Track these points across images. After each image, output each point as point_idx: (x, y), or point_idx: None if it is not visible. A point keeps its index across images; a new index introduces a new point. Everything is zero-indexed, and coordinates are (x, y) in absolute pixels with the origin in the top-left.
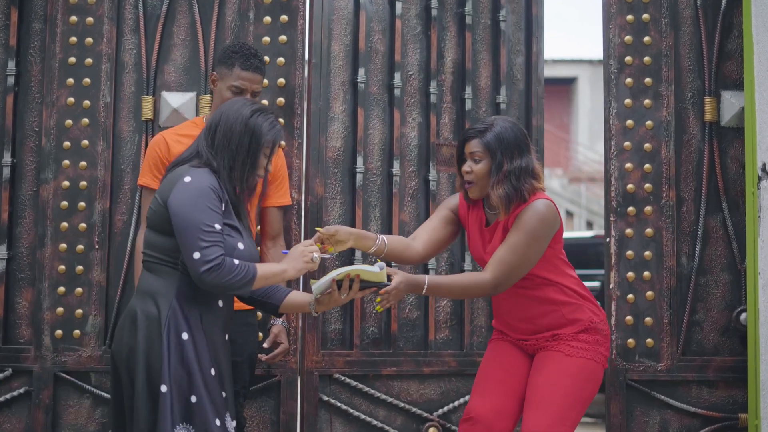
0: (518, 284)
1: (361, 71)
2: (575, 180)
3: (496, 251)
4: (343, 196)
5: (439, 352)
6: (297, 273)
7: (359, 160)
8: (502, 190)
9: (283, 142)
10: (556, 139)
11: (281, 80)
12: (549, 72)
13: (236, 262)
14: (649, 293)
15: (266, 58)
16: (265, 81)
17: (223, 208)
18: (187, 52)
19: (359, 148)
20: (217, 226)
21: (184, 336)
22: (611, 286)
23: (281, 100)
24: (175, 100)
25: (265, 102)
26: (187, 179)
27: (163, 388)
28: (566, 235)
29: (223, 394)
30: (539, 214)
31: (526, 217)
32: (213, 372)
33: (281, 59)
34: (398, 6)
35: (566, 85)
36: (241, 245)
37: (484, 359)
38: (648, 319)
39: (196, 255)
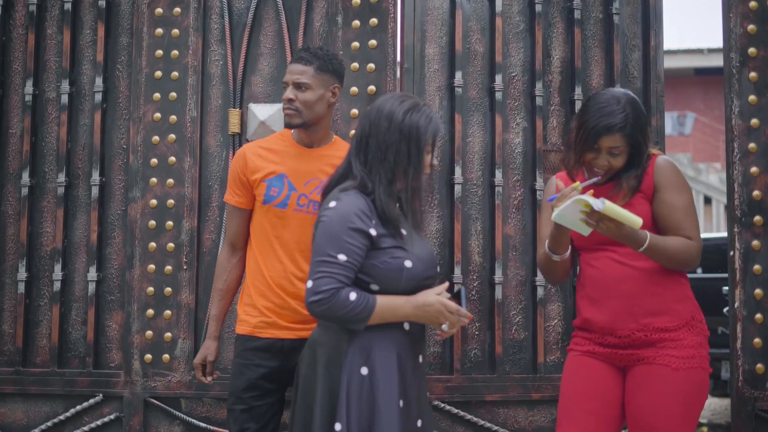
0: (631, 252)
1: (458, 74)
2: None
3: (671, 218)
4: (441, 210)
5: (550, 376)
6: (416, 320)
7: (457, 170)
8: (635, 181)
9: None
10: (713, 132)
11: (371, 87)
12: (704, 62)
13: (352, 297)
14: None
15: (355, 65)
16: (355, 89)
17: (374, 233)
18: (274, 62)
19: (457, 157)
20: (342, 258)
21: (363, 371)
22: (736, 304)
23: None
24: (262, 112)
25: (354, 111)
26: (332, 204)
27: (338, 426)
28: (718, 234)
29: (419, 422)
30: (674, 166)
31: (670, 174)
32: (401, 404)
33: (371, 65)
34: (498, 3)
35: (723, 75)
36: (408, 263)
37: (565, 379)
38: None
39: (309, 284)
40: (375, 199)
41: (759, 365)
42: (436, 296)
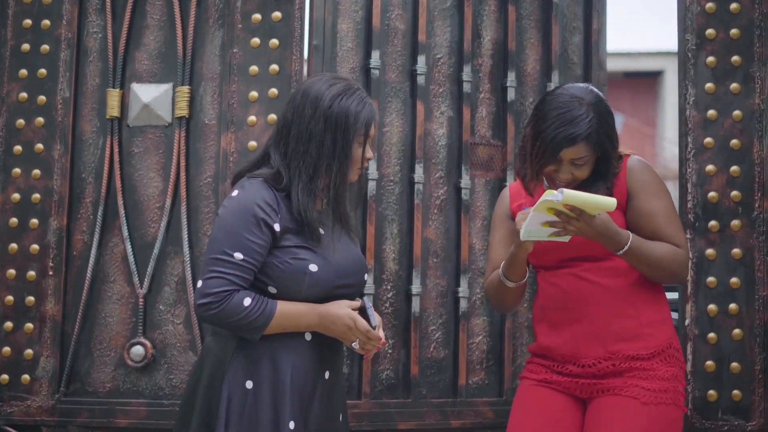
0: (603, 266)
1: (375, 55)
2: (665, 179)
3: (651, 226)
4: (352, 209)
5: (472, 400)
6: (323, 332)
7: (371, 164)
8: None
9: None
10: (641, 135)
11: (274, 66)
12: (634, 65)
13: (246, 303)
14: (737, 331)
15: (256, 40)
16: (254, 68)
17: (278, 229)
18: (162, 35)
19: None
20: (238, 256)
21: (248, 385)
22: (687, 322)
23: (274, 91)
24: (147, 93)
25: (254, 94)
26: (234, 193)
27: None
28: None
29: None
30: (649, 169)
31: (645, 177)
32: (292, 425)
33: (274, 41)
34: None
35: (652, 78)
36: (313, 267)
37: (515, 412)
38: (735, 364)
39: (199, 284)
40: (291, 197)
41: (711, 392)
42: (346, 309)
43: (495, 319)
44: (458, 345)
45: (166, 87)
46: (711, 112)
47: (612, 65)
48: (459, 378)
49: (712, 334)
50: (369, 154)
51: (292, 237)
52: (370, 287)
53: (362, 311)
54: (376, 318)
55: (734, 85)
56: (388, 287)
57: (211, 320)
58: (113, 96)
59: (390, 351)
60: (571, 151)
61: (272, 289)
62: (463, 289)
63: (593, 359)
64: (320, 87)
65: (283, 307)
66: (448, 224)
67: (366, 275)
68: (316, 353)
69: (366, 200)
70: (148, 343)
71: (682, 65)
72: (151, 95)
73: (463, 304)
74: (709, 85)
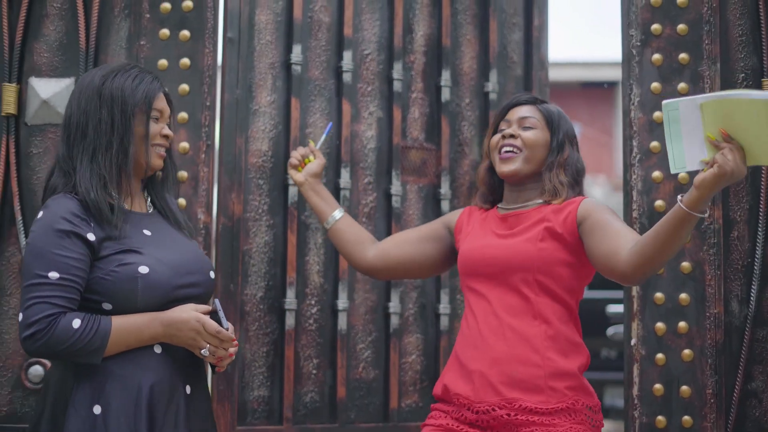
0: (519, 306)
1: (297, 49)
2: (620, 188)
3: (611, 228)
4: (272, 217)
5: (405, 425)
6: (170, 342)
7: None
8: (564, 176)
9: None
10: (598, 145)
11: (185, 60)
12: (591, 74)
13: (76, 324)
14: (686, 352)
15: (165, 32)
16: (164, 62)
17: (93, 238)
18: (63, 25)
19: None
20: (54, 275)
21: (96, 410)
22: (633, 341)
23: (185, 87)
24: (46, 88)
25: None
26: (39, 215)
27: None
28: None
29: None
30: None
31: (596, 205)
32: None
33: (185, 32)
34: None
35: (609, 88)
36: (143, 269)
37: None
38: (684, 387)
39: (20, 317)
40: (75, 184)
41: (660, 417)
42: (192, 312)
43: (430, 336)
44: (389, 365)
45: (67, 82)
46: (657, 114)
47: (569, 75)
48: (391, 401)
49: (660, 355)
50: (166, 130)
51: (112, 244)
52: (291, 302)
53: (214, 314)
54: (229, 325)
55: (682, 85)
56: (312, 302)
57: (41, 352)
58: (9, 91)
59: (314, 371)
60: (519, 109)
61: (107, 306)
62: (394, 305)
63: (487, 405)
64: (93, 73)
65: (119, 321)
66: (378, 234)
67: (212, 273)
68: (170, 366)
69: (287, 207)
70: (48, 362)
71: (626, 63)
72: (52, 90)
73: (395, 321)
74: (655, 85)
